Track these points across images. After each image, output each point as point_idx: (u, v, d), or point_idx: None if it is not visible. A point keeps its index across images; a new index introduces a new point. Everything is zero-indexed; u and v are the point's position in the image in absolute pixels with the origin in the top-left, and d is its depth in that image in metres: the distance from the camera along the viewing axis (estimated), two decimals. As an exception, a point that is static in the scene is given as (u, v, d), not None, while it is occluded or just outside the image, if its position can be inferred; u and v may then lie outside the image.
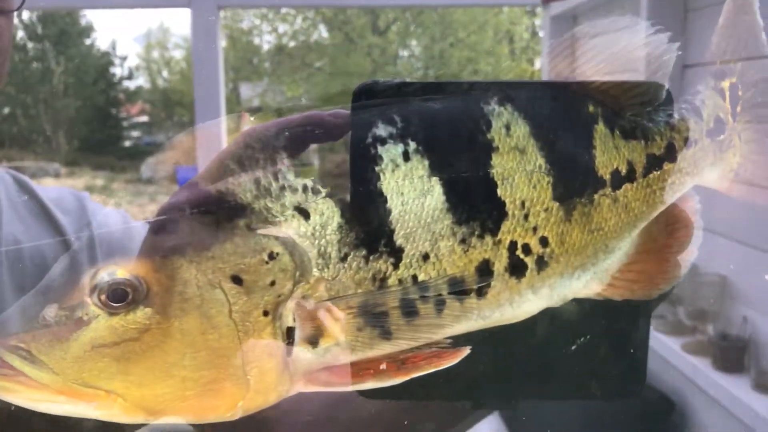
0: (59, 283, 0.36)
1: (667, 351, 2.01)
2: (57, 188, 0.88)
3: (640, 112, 0.41)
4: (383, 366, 0.38)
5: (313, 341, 0.37)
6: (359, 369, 0.38)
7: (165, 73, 7.55)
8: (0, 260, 0.76)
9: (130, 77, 7.50)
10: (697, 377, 1.86)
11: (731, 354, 1.78)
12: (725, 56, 0.45)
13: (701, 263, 2.13)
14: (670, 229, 0.43)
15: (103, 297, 0.34)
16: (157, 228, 0.36)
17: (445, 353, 0.38)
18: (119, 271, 0.35)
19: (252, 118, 0.42)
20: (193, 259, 0.35)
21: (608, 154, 0.40)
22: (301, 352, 0.37)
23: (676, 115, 0.43)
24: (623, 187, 0.41)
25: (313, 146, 0.38)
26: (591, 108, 0.40)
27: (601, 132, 0.40)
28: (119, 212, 0.81)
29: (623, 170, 0.41)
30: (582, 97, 0.40)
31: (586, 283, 0.42)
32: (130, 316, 0.35)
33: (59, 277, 0.36)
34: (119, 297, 0.34)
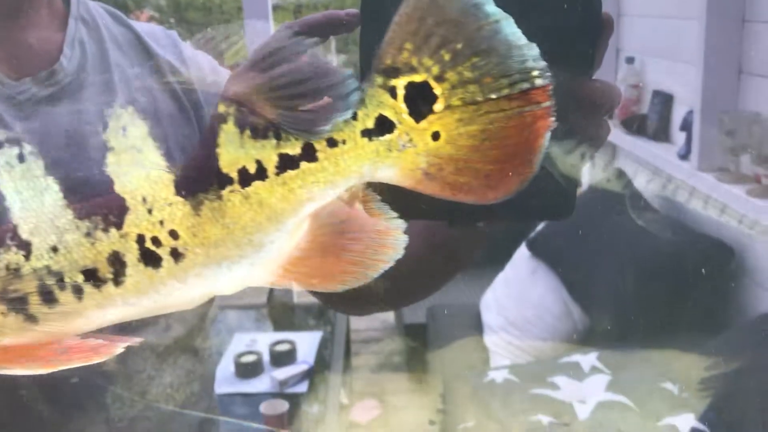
0: None
1: (731, 197, 2.06)
2: (148, 23, 0.89)
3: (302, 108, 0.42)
4: (39, 352, 0.42)
5: None
6: (16, 353, 0.42)
7: (173, -24, 7.33)
8: (114, 86, 0.79)
9: (138, -20, 7.29)
10: (762, 218, 1.92)
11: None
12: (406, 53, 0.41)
13: (764, 110, 2.16)
14: (339, 228, 0.43)
15: None
16: None
17: (102, 346, 0.42)
18: None
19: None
20: None
21: (234, 152, 0.42)
22: None
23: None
24: (253, 184, 0.42)
25: None
26: (222, 108, 0.41)
27: (228, 131, 0.41)
28: (207, 56, 0.82)
29: (252, 168, 0.42)
30: (216, 98, 0.42)
31: (250, 272, 0.43)
32: None
33: None
34: None
